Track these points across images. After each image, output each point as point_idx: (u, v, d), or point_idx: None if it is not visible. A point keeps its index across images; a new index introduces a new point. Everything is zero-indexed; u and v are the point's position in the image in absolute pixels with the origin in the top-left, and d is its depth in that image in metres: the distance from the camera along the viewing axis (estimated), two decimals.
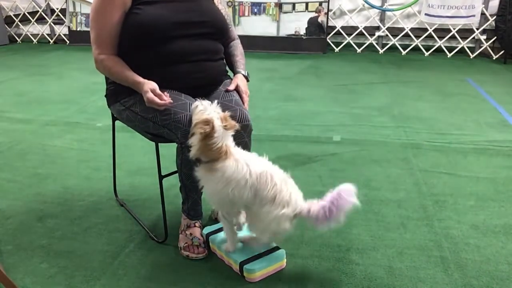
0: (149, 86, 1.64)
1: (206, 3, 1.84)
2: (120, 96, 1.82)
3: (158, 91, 1.64)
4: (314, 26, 5.74)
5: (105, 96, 1.93)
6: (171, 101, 1.64)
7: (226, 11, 1.96)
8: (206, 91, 1.83)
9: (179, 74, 1.75)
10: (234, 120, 1.69)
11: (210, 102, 1.57)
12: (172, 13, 1.73)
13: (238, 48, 1.98)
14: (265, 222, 1.58)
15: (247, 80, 1.93)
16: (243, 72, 1.91)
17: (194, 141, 1.54)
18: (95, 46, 1.76)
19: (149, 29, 1.69)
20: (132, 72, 1.71)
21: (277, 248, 1.72)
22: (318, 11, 5.65)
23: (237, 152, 1.59)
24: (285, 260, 1.72)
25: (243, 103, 1.82)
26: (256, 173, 1.57)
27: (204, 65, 1.81)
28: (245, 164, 1.57)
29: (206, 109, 1.54)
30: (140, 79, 1.68)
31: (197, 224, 1.86)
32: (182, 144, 1.65)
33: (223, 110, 1.74)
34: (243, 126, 1.73)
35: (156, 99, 1.62)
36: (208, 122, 1.50)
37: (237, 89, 1.85)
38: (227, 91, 1.82)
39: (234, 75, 1.92)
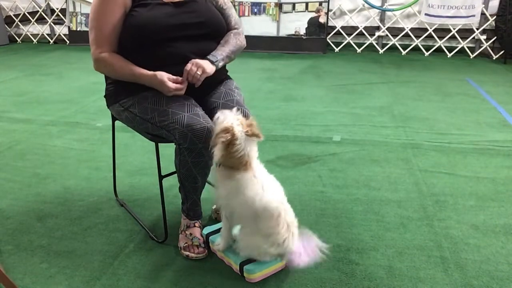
0: (165, 76, 1.65)
1: (202, 4, 1.83)
2: (119, 97, 1.81)
3: (172, 76, 1.66)
4: (314, 26, 5.74)
5: (104, 96, 1.92)
6: (186, 82, 1.67)
7: (229, 5, 1.93)
8: (205, 91, 1.83)
9: (178, 75, 1.74)
10: None
11: (229, 111, 1.55)
12: (168, 15, 1.72)
13: (226, 37, 1.86)
14: (249, 246, 1.62)
15: (212, 62, 1.73)
16: (208, 57, 1.75)
17: (216, 151, 1.52)
18: (95, 46, 1.75)
19: (146, 31, 1.69)
20: (136, 66, 1.70)
21: None
22: (317, 11, 5.66)
23: (258, 169, 1.57)
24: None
25: (190, 73, 1.67)
26: (266, 203, 1.54)
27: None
28: (261, 187, 1.55)
29: (226, 118, 1.51)
30: (147, 71, 1.67)
31: (196, 224, 1.86)
32: (180, 145, 1.65)
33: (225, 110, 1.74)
34: None
35: (179, 86, 1.65)
36: (227, 130, 1.47)
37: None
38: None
39: None
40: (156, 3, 1.73)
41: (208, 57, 1.75)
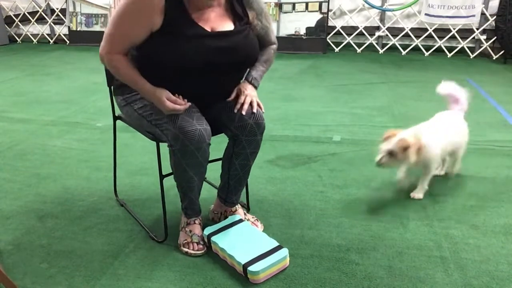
0: (164, 94, 1.60)
1: (242, 36, 1.70)
2: (125, 91, 1.80)
3: (172, 96, 1.61)
4: (315, 26, 5.74)
5: (112, 85, 1.90)
6: (189, 103, 1.63)
7: (266, 22, 1.80)
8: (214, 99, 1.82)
9: (194, 94, 1.70)
10: (249, 118, 1.72)
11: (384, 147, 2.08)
12: (205, 53, 1.61)
13: (264, 54, 1.85)
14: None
15: (254, 86, 1.81)
16: (249, 79, 1.81)
17: (411, 158, 2.01)
18: (106, 43, 1.64)
19: (178, 63, 1.61)
20: (143, 79, 1.65)
21: (279, 247, 1.73)
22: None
23: (418, 129, 2.16)
24: (288, 259, 1.72)
25: (241, 104, 1.73)
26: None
27: (224, 88, 1.77)
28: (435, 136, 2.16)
29: (387, 149, 2.04)
30: (151, 86, 1.63)
31: (196, 221, 1.86)
32: (172, 146, 1.64)
33: (234, 109, 1.73)
34: (257, 124, 1.73)
35: (177, 106, 1.59)
36: (401, 142, 2.01)
37: (237, 93, 1.78)
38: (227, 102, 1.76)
39: None
40: (195, 34, 1.60)
41: (253, 82, 1.80)
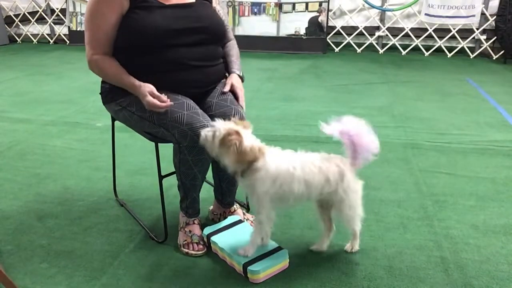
0: (147, 89, 1.63)
1: (204, 8, 1.82)
2: (116, 96, 1.80)
3: (156, 92, 1.63)
4: (314, 25, 5.74)
5: (100, 94, 1.91)
6: (172, 102, 1.63)
7: (223, 12, 1.94)
8: (204, 93, 1.84)
9: (178, 81, 1.73)
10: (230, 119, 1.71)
11: (211, 121, 1.57)
12: (170, 20, 1.70)
13: (234, 49, 1.97)
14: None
15: (242, 80, 1.92)
16: (237, 72, 1.90)
17: (230, 157, 1.50)
18: (89, 47, 1.73)
19: (145, 36, 1.67)
20: (127, 75, 1.69)
21: (279, 248, 1.72)
22: (320, 11, 5.65)
23: (271, 149, 1.61)
24: (287, 260, 1.72)
25: (238, 99, 1.83)
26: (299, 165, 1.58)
27: (204, 71, 1.79)
28: (286, 159, 1.60)
29: (216, 128, 1.50)
30: (136, 82, 1.67)
31: (196, 221, 1.86)
32: (180, 144, 1.65)
33: (219, 109, 1.75)
34: None
35: (157, 102, 1.61)
36: (233, 133, 1.48)
37: (232, 89, 1.84)
38: (223, 93, 1.82)
39: (229, 75, 1.91)
40: (156, 5, 1.70)
41: (237, 73, 1.90)
